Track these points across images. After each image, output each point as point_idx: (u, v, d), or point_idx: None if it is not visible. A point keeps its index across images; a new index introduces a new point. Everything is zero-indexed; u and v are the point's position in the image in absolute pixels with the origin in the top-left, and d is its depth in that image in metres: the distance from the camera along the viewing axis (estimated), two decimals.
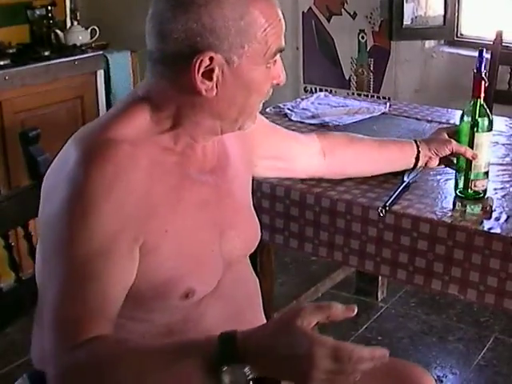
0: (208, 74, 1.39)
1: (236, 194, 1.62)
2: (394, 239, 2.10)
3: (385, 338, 3.19)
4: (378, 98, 4.28)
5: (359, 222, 2.16)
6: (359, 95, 4.35)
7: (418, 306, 3.41)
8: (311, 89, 4.56)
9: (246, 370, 1.22)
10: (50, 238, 1.37)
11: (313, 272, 3.44)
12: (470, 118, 2.09)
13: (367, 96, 4.32)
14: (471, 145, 2.09)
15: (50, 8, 4.20)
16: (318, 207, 2.24)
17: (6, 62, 3.68)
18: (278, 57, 1.47)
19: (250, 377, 1.23)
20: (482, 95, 2.08)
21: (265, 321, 1.73)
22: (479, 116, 2.08)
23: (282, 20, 1.45)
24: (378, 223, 2.12)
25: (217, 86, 1.41)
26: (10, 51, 3.93)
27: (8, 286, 1.90)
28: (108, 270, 1.33)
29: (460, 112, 2.15)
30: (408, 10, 4.08)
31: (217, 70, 1.39)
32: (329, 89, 4.45)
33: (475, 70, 2.08)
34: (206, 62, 1.38)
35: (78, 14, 4.25)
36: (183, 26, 1.36)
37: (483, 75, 2.07)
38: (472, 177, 2.12)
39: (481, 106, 2.08)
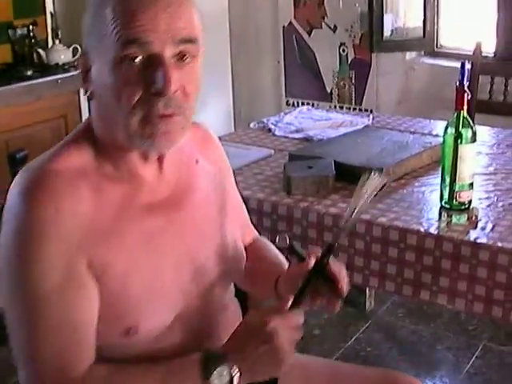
0: (87, 78, 1.36)
1: (200, 224, 1.49)
2: (382, 251, 2.12)
3: (374, 348, 3.20)
4: (361, 110, 4.32)
5: (347, 235, 2.17)
6: (341, 108, 4.38)
7: (406, 315, 3.43)
8: (293, 102, 4.58)
9: (233, 369, 1.34)
10: (5, 272, 1.33)
11: None
12: (453, 130, 2.12)
13: (349, 109, 4.35)
14: (455, 156, 2.12)
15: (31, 27, 4.21)
16: (305, 221, 2.25)
17: None
18: (159, 58, 1.29)
19: (236, 374, 1.34)
20: (465, 107, 2.11)
21: None
22: (463, 128, 2.11)
23: (158, 11, 1.27)
24: (365, 236, 2.14)
25: (94, 90, 1.35)
26: None
27: None
28: (69, 301, 1.31)
29: (442, 123, 2.18)
30: (387, 21, 4.12)
31: (90, 73, 1.34)
32: (311, 102, 4.48)
33: (457, 83, 2.10)
34: (81, 63, 1.36)
35: (59, 33, 4.25)
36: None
37: (465, 88, 2.10)
38: (457, 188, 2.15)
39: (464, 118, 2.11)
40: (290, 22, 4.49)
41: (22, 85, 3.76)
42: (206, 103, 4.42)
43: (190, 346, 1.46)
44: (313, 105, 4.41)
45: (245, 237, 1.74)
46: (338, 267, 1.51)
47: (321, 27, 4.38)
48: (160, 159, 1.42)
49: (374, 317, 3.44)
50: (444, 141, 2.17)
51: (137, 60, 1.28)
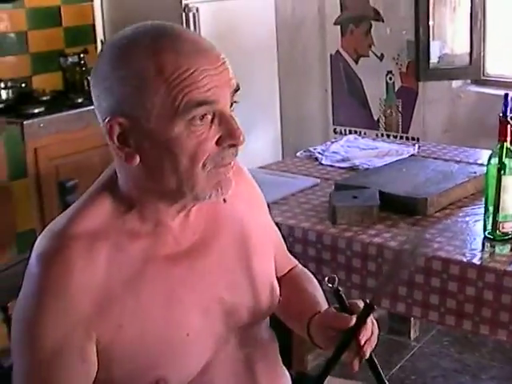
0: (125, 140, 1.29)
1: (231, 266, 1.48)
2: (425, 281, 2.14)
3: (418, 377, 3.20)
4: (407, 138, 4.33)
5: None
6: (388, 136, 4.40)
7: (451, 344, 3.42)
8: (341, 130, 4.61)
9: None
10: (12, 336, 1.36)
11: None
12: (497, 161, 2.14)
13: (396, 137, 4.37)
14: (498, 187, 2.14)
15: (82, 55, 4.31)
16: (349, 251, 2.28)
17: (40, 109, 3.78)
18: (226, 112, 1.30)
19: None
20: (509, 138, 2.13)
21: (284, 377, 1.67)
22: (506, 158, 2.13)
23: (210, 68, 1.27)
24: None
25: (138, 153, 1.30)
26: (44, 98, 4.04)
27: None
28: (64, 372, 1.31)
29: (488, 152, 2.20)
30: (434, 48, 4.14)
31: (131, 135, 1.29)
32: (358, 130, 4.51)
33: (501, 114, 2.13)
34: (116, 127, 1.28)
35: None
36: (94, 94, 1.32)
37: (509, 119, 2.12)
38: (500, 218, 2.16)
39: (507, 148, 2.13)
40: (337, 51, 4.53)
41: (73, 112, 3.83)
42: (254, 131, 4.47)
43: (229, 381, 1.49)
44: (360, 133, 4.44)
45: (283, 268, 1.73)
46: (370, 329, 1.50)
47: (368, 55, 4.41)
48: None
49: (418, 345, 3.44)
50: (487, 171, 2.19)
51: (208, 118, 1.29)
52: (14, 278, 1.71)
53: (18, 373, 1.34)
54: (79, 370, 1.32)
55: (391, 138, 4.35)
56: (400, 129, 4.42)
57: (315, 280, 1.75)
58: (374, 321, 1.52)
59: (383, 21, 4.30)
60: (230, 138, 1.31)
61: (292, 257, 1.82)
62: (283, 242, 1.78)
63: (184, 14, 4.05)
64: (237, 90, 1.33)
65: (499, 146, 2.14)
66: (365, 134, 4.44)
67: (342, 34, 4.50)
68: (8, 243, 3.53)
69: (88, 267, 1.30)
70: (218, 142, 1.31)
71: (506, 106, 2.14)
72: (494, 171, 2.16)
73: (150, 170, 1.31)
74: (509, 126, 2.13)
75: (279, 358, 1.67)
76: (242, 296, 1.50)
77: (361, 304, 1.49)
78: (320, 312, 1.58)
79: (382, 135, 4.43)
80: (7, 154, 3.59)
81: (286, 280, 1.71)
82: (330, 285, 1.49)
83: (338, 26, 4.50)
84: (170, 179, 1.31)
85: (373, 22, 4.35)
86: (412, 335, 3.49)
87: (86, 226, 1.33)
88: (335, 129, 4.67)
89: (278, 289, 1.61)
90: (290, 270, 1.78)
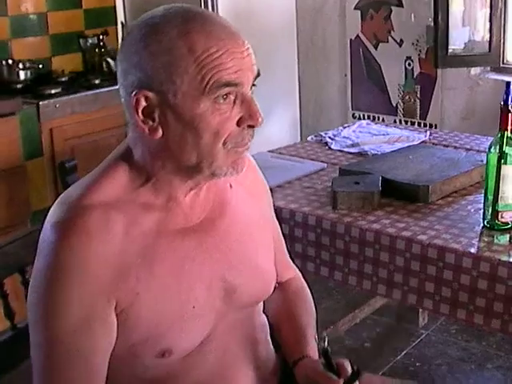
0: (150, 114, 1.35)
1: (232, 246, 1.53)
2: (421, 268, 2.13)
3: (423, 364, 3.20)
4: (425, 125, 4.31)
5: (387, 251, 2.19)
6: (406, 122, 4.38)
7: (459, 332, 3.41)
8: (359, 115, 4.60)
9: None
10: (30, 304, 1.38)
11: (356, 298, 3.45)
12: (497, 150, 2.12)
13: (413, 123, 4.34)
14: (498, 176, 2.12)
15: (101, 37, 4.34)
16: (347, 236, 2.28)
17: (57, 90, 3.82)
18: (247, 94, 1.38)
19: None
20: (510, 127, 2.11)
21: (274, 362, 1.70)
22: (506, 147, 2.11)
23: (237, 51, 1.34)
24: (405, 253, 2.16)
25: (162, 127, 1.35)
26: (63, 79, 4.08)
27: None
28: (89, 341, 1.35)
29: None
30: (456, 35, 4.09)
31: (156, 109, 1.34)
32: (376, 115, 4.49)
33: (502, 103, 2.11)
34: (142, 101, 1.34)
35: None
36: (122, 68, 1.37)
37: (510, 107, 2.10)
38: (499, 208, 2.15)
39: (508, 137, 2.11)
40: (357, 36, 4.51)
41: (89, 93, 3.87)
42: (273, 114, 4.47)
43: (220, 363, 1.54)
44: (378, 118, 4.43)
45: (280, 272, 1.75)
46: None
47: (387, 41, 4.38)
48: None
49: (426, 333, 3.43)
50: (488, 160, 2.17)
51: (231, 98, 1.35)
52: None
53: (40, 344, 1.36)
54: (103, 337, 1.37)
55: (409, 124, 4.33)
56: (418, 115, 4.39)
57: (311, 300, 1.80)
58: None
59: (403, 6, 4.26)
60: (250, 119, 1.37)
61: (292, 263, 1.87)
62: (284, 243, 1.82)
63: None
64: (258, 75, 1.40)
65: (499, 134, 2.12)
66: (383, 119, 4.42)
67: (362, 19, 4.48)
68: (23, 222, 3.58)
69: (105, 237, 1.34)
70: (238, 123, 1.37)
71: (507, 94, 2.11)
72: (494, 160, 2.14)
73: (171, 144, 1.36)
74: (510, 114, 2.10)
75: (270, 341, 1.71)
76: (241, 278, 1.54)
77: (348, 367, 1.54)
78: (307, 356, 1.63)
79: (400, 121, 4.41)
80: (23, 134, 3.64)
81: (281, 296, 1.77)
82: (322, 344, 1.54)
83: (359, 11, 4.48)
84: (191, 154, 1.36)
85: (393, 8, 4.31)
86: (420, 323, 3.48)
87: (101, 197, 1.37)
88: (354, 114, 4.65)
89: (275, 276, 1.67)
90: (289, 282, 1.82)
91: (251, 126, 1.38)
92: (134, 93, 1.34)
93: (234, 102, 1.36)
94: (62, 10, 4.33)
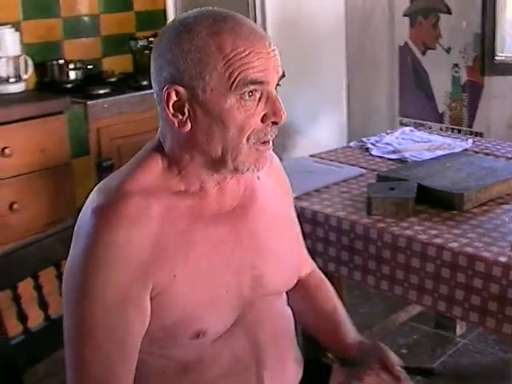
0: (180, 108, 1.42)
1: (261, 235, 1.59)
2: (451, 276, 2.14)
3: None
4: (471, 133, 4.28)
5: (418, 257, 2.20)
6: (452, 130, 4.36)
7: (497, 343, 3.38)
8: (406, 122, 4.59)
9: None
10: (65, 287, 1.45)
11: (394, 304, 3.45)
12: None
13: (459, 131, 4.32)
14: None
15: (151, 39, 4.40)
16: (380, 242, 2.30)
17: (106, 90, 3.90)
18: (272, 93, 1.45)
19: None
20: None
21: (297, 357, 1.76)
22: None
23: (264, 52, 1.42)
24: (436, 260, 2.16)
25: (190, 120, 1.43)
26: (112, 80, 4.16)
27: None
28: (122, 324, 1.41)
29: None
30: (505, 43, 4.07)
31: (186, 104, 1.42)
32: (423, 122, 4.48)
33: None
34: (173, 95, 1.41)
35: None
36: (156, 65, 1.45)
37: None
38: None
39: None
40: (406, 43, 4.50)
41: (137, 94, 3.93)
42: (320, 120, 4.49)
43: (248, 351, 1.60)
44: (424, 126, 4.42)
45: (302, 266, 1.82)
46: None
47: (435, 48, 4.37)
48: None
49: (463, 341, 3.42)
50: None
51: (256, 95, 1.43)
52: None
53: (74, 326, 1.43)
54: (136, 320, 1.43)
55: (455, 131, 4.31)
56: (465, 123, 4.37)
57: (332, 289, 1.88)
58: None
59: (451, 13, 4.25)
60: (274, 116, 1.44)
61: (310, 258, 1.91)
62: (302, 240, 1.86)
63: (251, 2, 4.08)
64: (283, 76, 1.47)
65: None
66: (430, 127, 4.41)
67: (411, 26, 4.47)
68: (67, 218, 3.64)
69: (143, 222, 1.41)
70: (262, 119, 1.45)
71: None
72: None
73: (198, 136, 1.44)
74: None
75: (294, 333, 1.77)
76: (267, 265, 1.60)
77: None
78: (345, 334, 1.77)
79: (447, 129, 4.39)
80: (70, 133, 3.72)
81: (306, 293, 1.84)
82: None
83: (407, 18, 4.47)
84: (217, 147, 1.44)
85: (441, 15, 4.30)
86: (458, 331, 3.47)
87: (139, 185, 1.45)
88: (401, 120, 4.65)
89: (299, 269, 1.75)
90: (309, 277, 1.87)
91: (275, 123, 1.46)
92: (165, 87, 1.42)
93: (260, 99, 1.43)
94: (114, 12, 4.42)
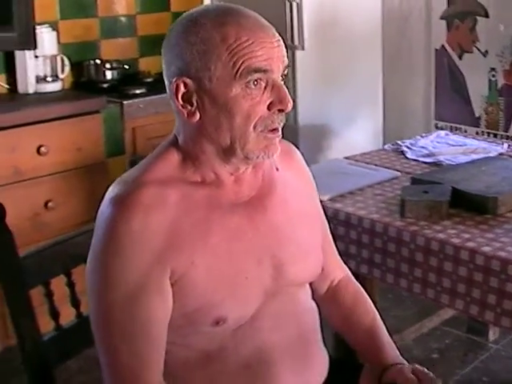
0: (188, 99, 1.46)
1: (280, 225, 1.60)
2: (484, 280, 2.13)
3: (491, 379, 3.15)
4: (508, 137, 4.25)
5: (451, 261, 2.19)
6: (488, 134, 4.33)
7: None
8: (442, 126, 4.56)
9: None
10: (88, 277, 1.49)
11: (427, 307, 3.44)
12: None
13: (496, 136, 4.28)
14: None
15: None
16: (413, 244, 2.29)
17: (142, 90, 3.93)
18: (277, 81, 1.47)
19: None
20: None
21: (321, 354, 1.75)
22: None
23: (267, 41, 1.45)
24: (468, 263, 2.15)
25: (199, 111, 1.46)
26: (148, 80, 4.18)
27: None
28: (145, 310, 1.44)
29: None
30: None
31: (194, 94, 1.45)
32: (459, 126, 4.45)
33: None
34: (181, 87, 1.45)
35: None
36: (166, 59, 1.49)
37: None
38: None
39: None
40: (442, 45, 4.48)
41: None
42: (356, 122, 4.49)
43: (269, 342, 1.60)
44: (460, 130, 4.39)
45: (330, 267, 1.83)
46: None
47: (472, 51, 4.35)
48: None
49: (495, 347, 3.39)
50: None
51: (261, 83, 1.45)
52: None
53: (97, 313, 1.47)
54: (158, 306, 1.46)
55: (491, 136, 4.28)
56: (501, 127, 4.34)
57: (369, 300, 1.86)
58: None
59: (488, 16, 4.22)
60: (279, 103, 1.47)
61: (343, 263, 1.91)
62: (333, 242, 1.87)
63: (288, 4, 4.07)
64: (287, 66, 1.50)
65: None
66: (465, 130, 4.38)
67: (448, 29, 4.45)
68: None
69: (160, 209, 1.45)
70: (268, 107, 1.47)
71: None
72: None
73: (207, 126, 1.47)
74: None
75: (319, 330, 1.77)
76: (288, 255, 1.61)
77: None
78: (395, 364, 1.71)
79: (483, 133, 4.36)
80: (106, 132, 3.76)
81: (343, 304, 1.84)
82: None
83: (444, 21, 4.45)
84: (225, 135, 1.47)
85: (478, 18, 4.27)
86: (490, 336, 3.44)
87: (155, 176, 1.48)
88: (437, 124, 4.62)
89: (321, 259, 1.73)
90: (345, 285, 1.87)
91: (281, 111, 1.48)
92: (174, 79, 1.46)
93: (265, 88, 1.46)
94: (151, 13, 4.45)
